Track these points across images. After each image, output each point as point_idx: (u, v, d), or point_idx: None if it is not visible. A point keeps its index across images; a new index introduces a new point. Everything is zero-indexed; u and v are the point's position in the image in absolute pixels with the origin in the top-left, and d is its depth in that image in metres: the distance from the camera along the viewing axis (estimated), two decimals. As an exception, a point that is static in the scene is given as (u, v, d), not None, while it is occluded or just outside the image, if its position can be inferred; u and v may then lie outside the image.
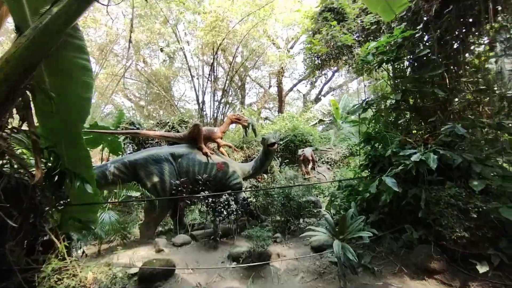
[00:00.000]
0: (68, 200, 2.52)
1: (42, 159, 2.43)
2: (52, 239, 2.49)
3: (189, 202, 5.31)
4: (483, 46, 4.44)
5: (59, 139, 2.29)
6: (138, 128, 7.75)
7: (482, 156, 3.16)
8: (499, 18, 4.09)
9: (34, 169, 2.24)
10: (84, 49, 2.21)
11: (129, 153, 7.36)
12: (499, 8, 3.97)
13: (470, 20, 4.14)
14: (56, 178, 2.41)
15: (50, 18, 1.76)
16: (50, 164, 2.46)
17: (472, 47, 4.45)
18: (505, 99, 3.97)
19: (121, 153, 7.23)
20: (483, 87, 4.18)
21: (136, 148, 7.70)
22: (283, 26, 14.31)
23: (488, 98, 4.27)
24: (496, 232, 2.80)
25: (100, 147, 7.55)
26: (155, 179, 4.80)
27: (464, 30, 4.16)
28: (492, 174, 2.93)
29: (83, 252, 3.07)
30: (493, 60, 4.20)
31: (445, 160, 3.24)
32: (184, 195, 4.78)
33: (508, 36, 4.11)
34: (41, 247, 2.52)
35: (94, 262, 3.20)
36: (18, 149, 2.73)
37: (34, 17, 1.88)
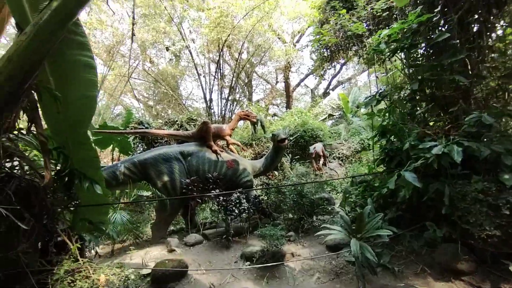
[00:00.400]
0: (79, 201, 2.48)
1: (52, 160, 2.40)
2: (65, 241, 2.48)
3: (200, 200, 5.26)
4: (505, 28, 4.13)
5: (65, 140, 2.24)
6: (147, 128, 7.77)
7: (512, 147, 2.93)
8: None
9: (44, 170, 2.22)
10: (87, 46, 2.13)
11: (139, 153, 7.40)
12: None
13: (492, 0, 3.84)
14: (66, 179, 2.37)
15: (50, 14, 1.68)
16: (59, 165, 2.43)
17: (495, 30, 4.15)
18: (534, 85, 3.69)
19: (131, 152, 7.26)
20: (509, 73, 3.89)
21: (146, 147, 7.73)
22: (288, 19, 14.00)
23: (514, 84, 3.98)
24: (530, 229, 2.59)
25: (111, 147, 7.61)
26: (165, 178, 4.77)
27: (486, 11, 3.86)
28: (526, 167, 2.70)
29: (96, 252, 3.06)
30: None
31: (471, 152, 3.02)
32: (195, 193, 4.73)
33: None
34: (54, 249, 2.50)
35: (107, 263, 3.17)
36: (28, 150, 2.72)
37: (34, 14, 1.81)
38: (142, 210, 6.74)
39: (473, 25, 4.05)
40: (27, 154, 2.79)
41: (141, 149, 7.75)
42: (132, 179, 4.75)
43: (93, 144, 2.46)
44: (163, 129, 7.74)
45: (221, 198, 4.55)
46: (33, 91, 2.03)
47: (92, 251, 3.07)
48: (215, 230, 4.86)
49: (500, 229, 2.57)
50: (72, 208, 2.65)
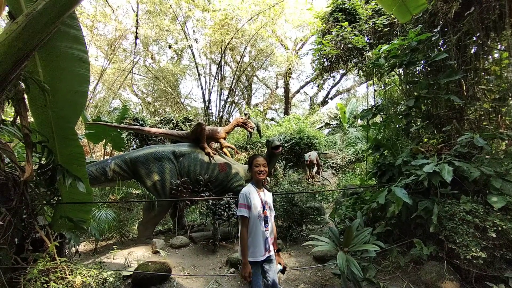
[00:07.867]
0: (60, 198, 2.41)
1: (36, 154, 2.34)
2: (43, 238, 2.40)
3: (189, 202, 5.19)
4: (502, 52, 4.20)
5: (51, 134, 2.18)
6: (141, 125, 7.70)
7: (502, 170, 2.94)
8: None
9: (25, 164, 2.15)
10: (81, 40, 2.09)
11: (132, 149, 7.30)
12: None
13: (491, 24, 3.91)
14: (48, 174, 2.30)
15: (45, 4, 1.64)
16: (44, 159, 2.36)
17: (491, 53, 4.22)
18: (526, 109, 3.74)
19: (123, 148, 7.17)
20: (502, 96, 3.94)
21: (139, 144, 7.64)
22: (292, 27, 14.10)
23: (506, 108, 4.04)
24: (515, 253, 2.59)
25: (103, 142, 7.50)
26: (155, 177, 4.69)
27: (484, 35, 3.92)
28: (513, 191, 2.71)
29: (76, 251, 2.97)
30: (512, 68, 3.97)
31: (461, 172, 3.03)
32: (185, 195, 4.66)
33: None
34: (32, 246, 2.42)
35: (88, 262, 3.08)
36: (13, 142, 2.64)
37: (29, 3, 1.77)
38: (130, 208, 6.63)
39: (470, 47, 4.11)
40: (12, 147, 2.72)
41: (135, 145, 7.66)
42: (121, 177, 4.66)
43: (79, 140, 2.40)
44: (158, 127, 7.67)
45: (211, 201, 4.49)
46: (20, 82, 1.98)
47: (73, 249, 2.98)
48: (203, 233, 4.79)
49: (486, 251, 2.57)
50: (54, 205, 2.57)
